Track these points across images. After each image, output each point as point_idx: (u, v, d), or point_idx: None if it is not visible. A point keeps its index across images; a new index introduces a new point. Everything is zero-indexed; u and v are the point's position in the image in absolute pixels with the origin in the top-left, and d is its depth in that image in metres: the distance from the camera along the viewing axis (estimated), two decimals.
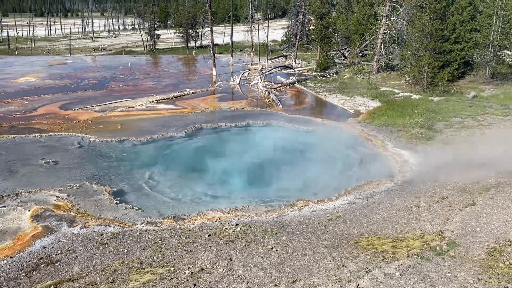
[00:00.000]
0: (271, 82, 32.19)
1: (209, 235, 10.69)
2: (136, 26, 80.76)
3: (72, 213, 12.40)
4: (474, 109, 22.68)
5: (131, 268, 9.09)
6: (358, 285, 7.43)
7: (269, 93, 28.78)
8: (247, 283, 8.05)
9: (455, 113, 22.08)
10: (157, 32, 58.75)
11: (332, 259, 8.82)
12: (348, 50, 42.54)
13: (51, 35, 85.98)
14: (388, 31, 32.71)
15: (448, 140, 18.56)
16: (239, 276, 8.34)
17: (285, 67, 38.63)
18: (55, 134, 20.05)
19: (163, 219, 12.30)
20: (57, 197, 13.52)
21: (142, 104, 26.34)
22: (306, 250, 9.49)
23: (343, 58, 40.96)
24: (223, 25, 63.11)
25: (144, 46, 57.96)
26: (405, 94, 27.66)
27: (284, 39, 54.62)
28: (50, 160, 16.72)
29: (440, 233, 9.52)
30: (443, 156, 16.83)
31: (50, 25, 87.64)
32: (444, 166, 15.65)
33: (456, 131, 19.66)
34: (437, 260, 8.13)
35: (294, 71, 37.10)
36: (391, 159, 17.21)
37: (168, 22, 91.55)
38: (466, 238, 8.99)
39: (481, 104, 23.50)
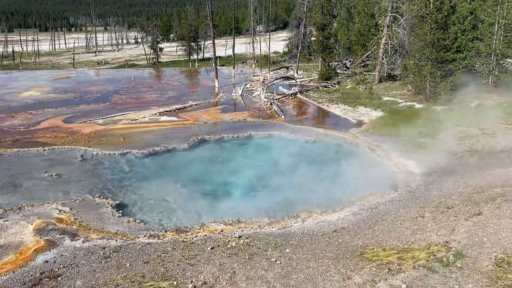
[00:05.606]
0: (273, 93, 32.26)
1: (212, 248, 10.59)
2: (139, 40, 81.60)
3: (74, 227, 12.35)
4: (477, 118, 22.58)
5: (133, 282, 8.99)
6: None
7: (271, 104, 28.81)
8: None
9: (459, 122, 21.99)
10: (160, 45, 59.36)
11: (337, 272, 8.70)
12: (349, 61, 42.71)
13: (55, 49, 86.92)
14: (390, 41, 32.83)
15: (452, 149, 18.44)
16: None
17: (287, 78, 38.77)
18: (58, 148, 20.08)
19: (165, 232, 12.23)
20: (60, 210, 13.49)
21: (145, 117, 26.42)
22: (310, 262, 9.36)
23: (345, 69, 41.09)
24: (225, 38, 63.69)
25: (147, 59, 58.48)
26: (408, 103, 27.63)
27: (286, 50, 54.93)
28: (53, 174, 16.73)
29: (446, 243, 9.38)
30: (447, 165, 16.71)
31: (54, 40, 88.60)
32: (448, 175, 15.53)
33: (460, 140, 19.55)
34: (444, 272, 7.99)
35: (296, 82, 37.23)
36: (395, 169, 17.11)
37: (171, 36, 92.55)
38: (473, 249, 8.84)
39: (484, 113, 23.39)
